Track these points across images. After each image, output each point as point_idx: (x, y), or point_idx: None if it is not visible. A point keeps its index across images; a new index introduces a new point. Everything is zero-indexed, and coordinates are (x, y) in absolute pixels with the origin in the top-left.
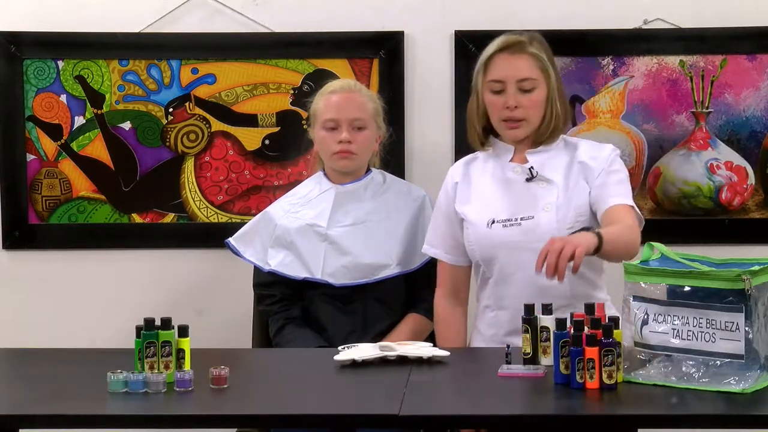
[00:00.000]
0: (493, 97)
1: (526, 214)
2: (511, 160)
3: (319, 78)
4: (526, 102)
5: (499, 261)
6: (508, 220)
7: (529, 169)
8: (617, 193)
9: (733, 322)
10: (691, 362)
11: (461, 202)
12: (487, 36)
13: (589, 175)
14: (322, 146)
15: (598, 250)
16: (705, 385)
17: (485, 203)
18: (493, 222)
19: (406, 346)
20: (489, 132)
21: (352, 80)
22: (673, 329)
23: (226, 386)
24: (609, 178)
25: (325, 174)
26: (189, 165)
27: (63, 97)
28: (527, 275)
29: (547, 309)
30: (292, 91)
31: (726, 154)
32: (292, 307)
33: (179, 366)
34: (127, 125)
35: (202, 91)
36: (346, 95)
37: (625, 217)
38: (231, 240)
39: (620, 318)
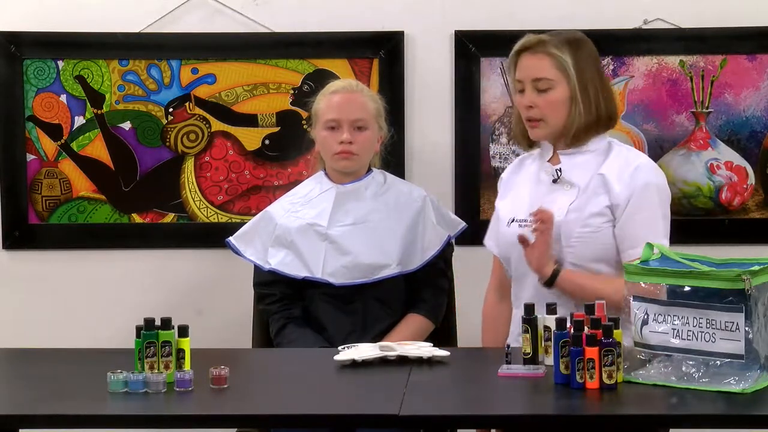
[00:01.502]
0: (516, 97)
1: None
2: (549, 160)
3: (319, 78)
4: (541, 102)
5: (514, 260)
6: (524, 221)
7: (557, 170)
8: (640, 238)
9: (733, 322)
10: (691, 362)
11: (500, 197)
12: (487, 36)
13: (610, 189)
14: (323, 146)
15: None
16: (705, 385)
17: (514, 201)
18: (513, 221)
19: (406, 346)
20: None
21: (353, 80)
22: (673, 329)
23: (226, 386)
24: (637, 213)
25: (326, 173)
26: (189, 165)
27: (63, 97)
28: (535, 277)
29: (550, 308)
30: (292, 91)
31: (726, 154)
32: (292, 307)
33: (179, 366)
34: (127, 125)
35: (202, 91)
36: (347, 95)
37: None
38: (231, 239)
39: (620, 318)
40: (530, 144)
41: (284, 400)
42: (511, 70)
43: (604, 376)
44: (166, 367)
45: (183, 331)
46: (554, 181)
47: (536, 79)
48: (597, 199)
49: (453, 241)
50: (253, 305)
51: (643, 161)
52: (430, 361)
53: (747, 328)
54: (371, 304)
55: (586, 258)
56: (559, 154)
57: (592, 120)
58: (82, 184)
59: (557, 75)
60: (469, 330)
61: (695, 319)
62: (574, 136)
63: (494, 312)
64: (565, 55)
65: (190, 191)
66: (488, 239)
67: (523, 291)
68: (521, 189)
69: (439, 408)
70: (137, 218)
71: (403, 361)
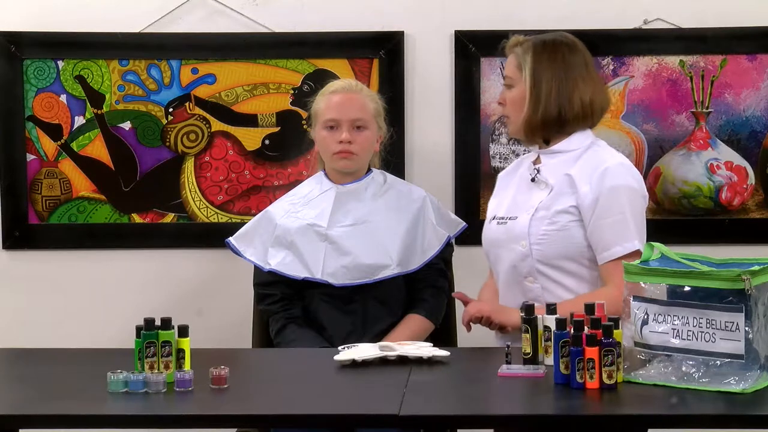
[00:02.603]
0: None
1: (515, 213)
2: (535, 159)
3: (319, 78)
4: (506, 99)
5: (491, 257)
6: (502, 218)
7: (535, 169)
8: (610, 241)
9: (733, 322)
10: (691, 362)
11: (492, 196)
12: (487, 36)
13: (577, 190)
14: (322, 146)
15: None
16: (705, 385)
17: (501, 200)
18: (493, 218)
19: (406, 346)
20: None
21: (353, 80)
22: (673, 329)
23: (226, 386)
24: (606, 218)
25: (326, 174)
26: (189, 165)
27: (63, 97)
28: (508, 274)
29: (551, 309)
30: (292, 91)
31: (726, 154)
32: (292, 307)
33: (179, 366)
34: (127, 125)
35: (202, 91)
36: (347, 95)
37: (611, 277)
38: (231, 239)
39: (620, 318)
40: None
41: (284, 400)
42: None
43: (604, 376)
44: (166, 367)
45: (183, 331)
46: (532, 179)
47: (506, 77)
48: (564, 198)
49: (453, 241)
50: (253, 305)
51: (612, 163)
52: (430, 361)
53: (747, 328)
54: (371, 305)
55: (554, 256)
56: (539, 153)
57: (539, 119)
58: (82, 184)
59: (516, 74)
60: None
61: (695, 319)
62: (529, 134)
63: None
64: (527, 56)
65: (190, 191)
66: None
67: (499, 287)
68: (510, 188)
69: (439, 408)
70: (137, 218)
71: (403, 361)
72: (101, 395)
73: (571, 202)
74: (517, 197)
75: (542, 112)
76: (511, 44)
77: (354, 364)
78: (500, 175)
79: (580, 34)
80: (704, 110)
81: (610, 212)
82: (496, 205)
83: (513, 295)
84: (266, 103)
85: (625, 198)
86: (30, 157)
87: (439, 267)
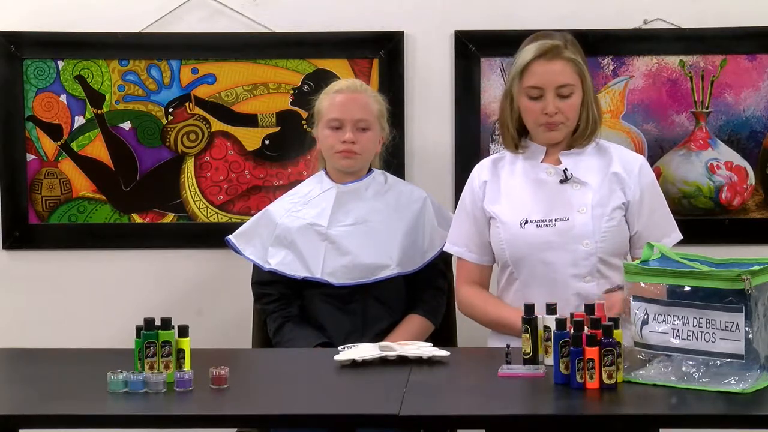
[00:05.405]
0: (530, 103)
1: (561, 215)
2: (542, 162)
3: (319, 78)
4: (565, 107)
5: (530, 261)
6: (542, 221)
7: (564, 170)
8: (659, 234)
9: (733, 322)
10: (691, 362)
11: (491, 201)
12: (487, 36)
13: (625, 186)
14: (325, 145)
15: None
16: (705, 385)
17: (516, 203)
18: (527, 222)
19: (406, 346)
20: (521, 133)
21: (358, 80)
22: (673, 329)
23: (226, 386)
24: (654, 212)
25: (327, 173)
26: (189, 165)
27: (63, 97)
28: (561, 276)
29: (550, 309)
30: (292, 91)
31: (726, 154)
32: (289, 306)
33: (179, 366)
34: (127, 125)
35: (202, 91)
36: (351, 95)
37: None
38: (231, 237)
39: (620, 318)
40: (518, 147)
41: (284, 400)
42: (521, 77)
43: (604, 376)
44: (166, 367)
45: (183, 331)
46: (562, 181)
47: (560, 86)
48: (615, 194)
49: None
50: (253, 305)
51: (642, 158)
52: (430, 361)
53: (747, 328)
54: (371, 304)
55: (609, 252)
56: (560, 155)
57: (599, 120)
58: (82, 184)
59: (576, 80)
60: (469, 330)
61: (695, 319)
62: (586, 139)
63: (482, 294)
64: (578, 58)
65: (190, 191)
66: (456, 245)
67: (539, 290)
68: (516, 189)
69: (439, 408)
70: (137, 218)
71: (403, 361)
72: (101, 395)
73: (622, 199)
74: (548, 199)
75: (600, 109)
76: (552, 49)
77: (354, 364)
78: (486, 181)
79: (580, 34)
80: (704, 110)
81: (658, 204)
82: (513, 208)
83: (563, 295)
84: (266, 103)
85: (660, 191)
86: (30, 157)
87: (439, 268)
